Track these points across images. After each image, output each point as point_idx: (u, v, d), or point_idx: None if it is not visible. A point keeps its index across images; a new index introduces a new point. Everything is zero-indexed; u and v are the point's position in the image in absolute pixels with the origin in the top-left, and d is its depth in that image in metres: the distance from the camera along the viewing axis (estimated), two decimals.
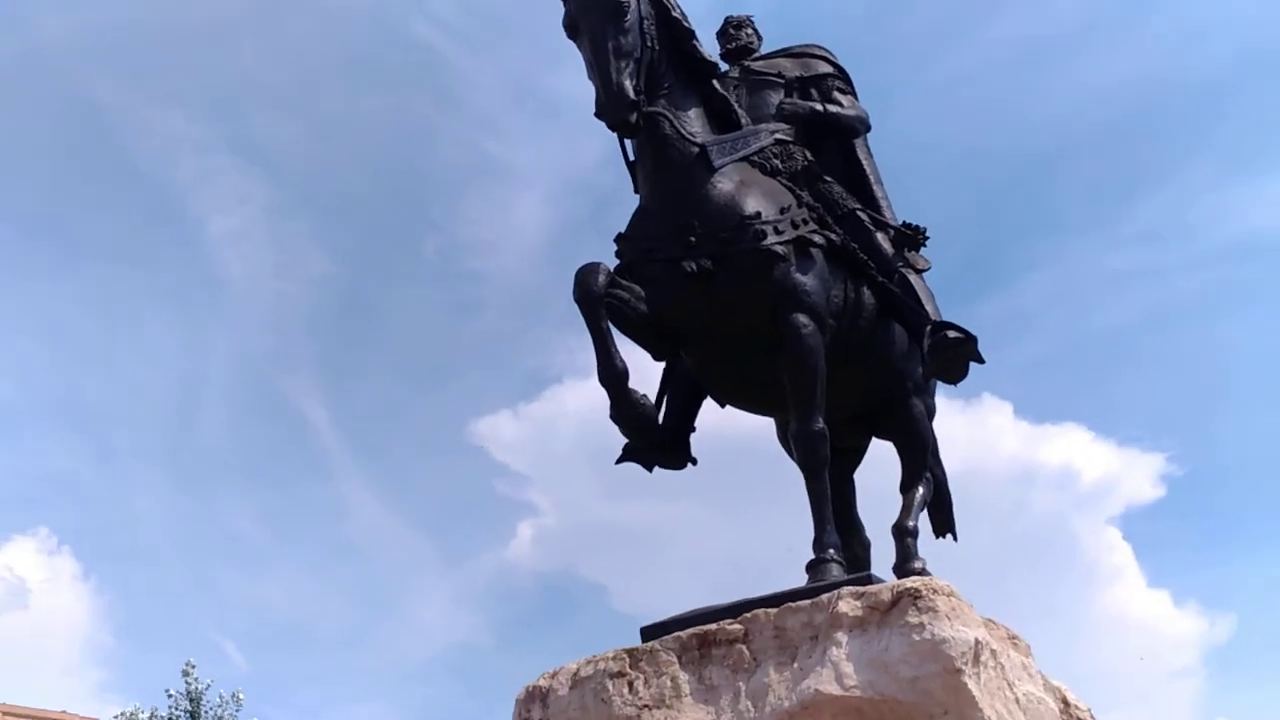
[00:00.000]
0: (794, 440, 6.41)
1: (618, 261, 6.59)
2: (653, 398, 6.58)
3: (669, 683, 5.41)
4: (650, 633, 5.87)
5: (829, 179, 7.22)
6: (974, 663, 4.97)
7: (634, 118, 6.23)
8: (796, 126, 7.35)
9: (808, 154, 7.24)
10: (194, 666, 26.90)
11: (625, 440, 6.72)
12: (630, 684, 5.46)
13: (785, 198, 6.63)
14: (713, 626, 5.50)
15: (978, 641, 5.01)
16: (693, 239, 6.33)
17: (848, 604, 5.21)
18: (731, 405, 7.20)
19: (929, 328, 6.69)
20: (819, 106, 7.41)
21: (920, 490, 7.24)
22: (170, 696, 26.88)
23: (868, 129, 7.61)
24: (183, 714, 26.10)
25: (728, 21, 7.95)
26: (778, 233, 6.39)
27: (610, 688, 5.47)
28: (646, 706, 5.38)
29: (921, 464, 7.30)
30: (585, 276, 6.14)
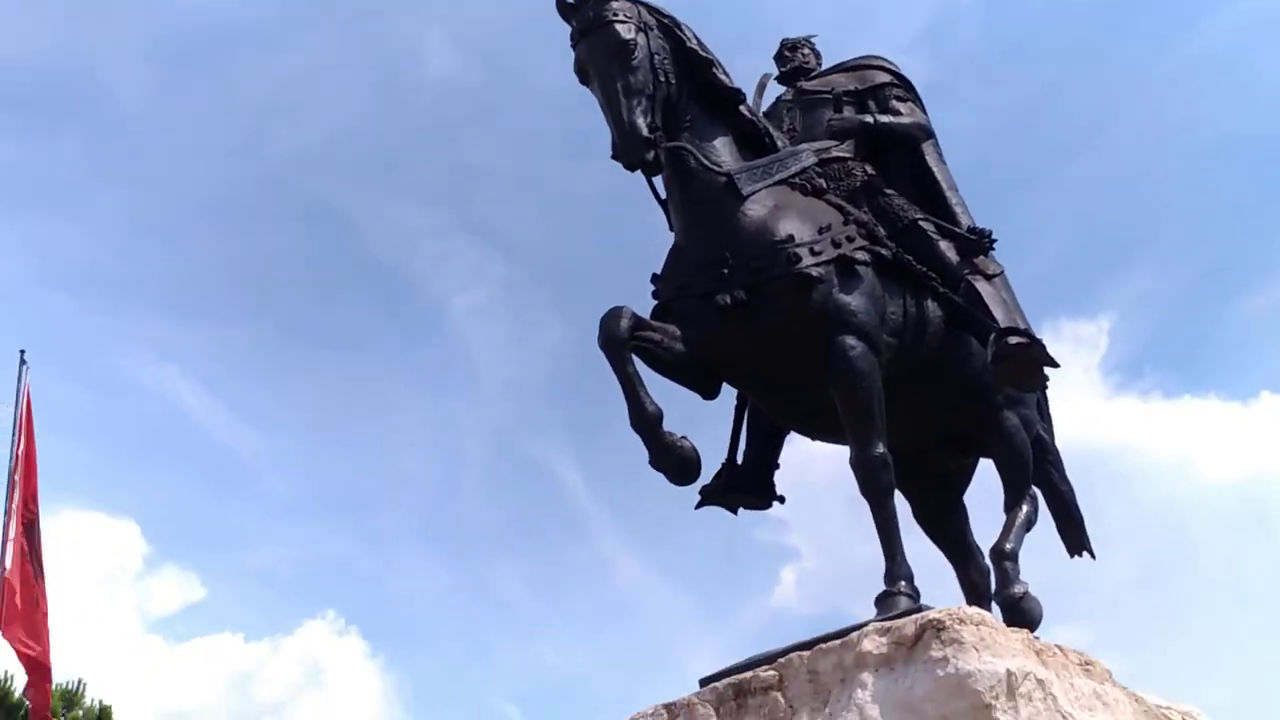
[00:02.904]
0: (853, 468, 6.06)
1: (655, 303, 6.46)
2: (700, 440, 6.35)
3: None
4: (705, 683, 5.64)
5: (890, 192, 6.89)
6: (1008, 696, 4.54)
7: (650, 155, 6.09)
8: (855, 141, 7.06)
9: (868, 168, 6.95)
10: None
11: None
12: None
13: (827, 217, 6.34)
14: (748, 675, 5.24)
15: (1010, 673, 4.57)
16: (725, 271, 6.12)
17: (872, 641, 4.86)
18: (808, 438, 6.91)
19: (992, 336, 6.25)
20: (869, 119, 7.08)
21: (1023, 509, 6.74)
22: None
23: (929, 136, 7.21)
24: None
25: (783, 44, 7.72)
26: (814, 254, 6.11)
27: None
28: None
29: (1022, 481, 6.80)
30: (608, 322, 6.01)
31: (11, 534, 15.27)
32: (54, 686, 25.71)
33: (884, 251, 6.39)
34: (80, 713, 27.44)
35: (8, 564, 15.00)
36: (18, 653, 15.13)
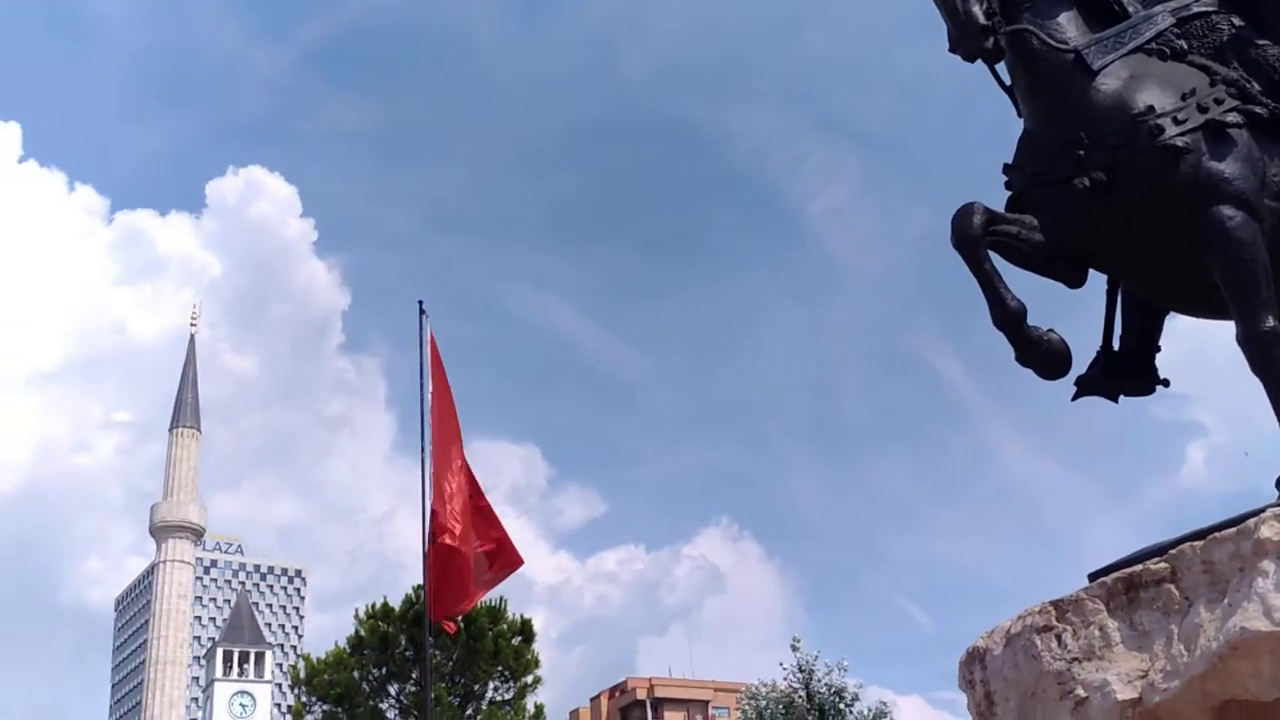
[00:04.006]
0: (1241, 346, 5.70)
1: (1008, 193, 6.27)
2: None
3: (1097, 632, 5.06)
4: (1094, 578, 5.52)
5: (1263, 43, 6.34)
6: None
7: (989, 43, 5.91)
8: None
9: (1235, 20, 6.42)
10: (800, 640, 29.01)
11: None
12: (1058, 637, 5.17)
13: (1190, 81, 5.93)
14: (1138, 568, 5.07)
15: None
16: (1081, 153, 5.86)
17: (1271, 528, 4.59)
18: (1190, 317, 6.55)
19: None
20: None
21: None
22: (783, 668, 28.95)
23: None
24: (798, 684, 27.99)
25: None
26: (1178, 123, 5.75)
27: (1038, 643, 5.21)
28: (1076, 659, 5.07)
29: None
30: (960, 220, 5.91)
31: (428, 470, 16.67)
32: (478, 605, 28.05)
33: (1260, 109, 5.92)
34: (504, 626, 29.80)
35: (428, 498, 16.41)
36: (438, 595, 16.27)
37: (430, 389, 17.23)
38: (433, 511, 15.85)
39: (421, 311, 17.44)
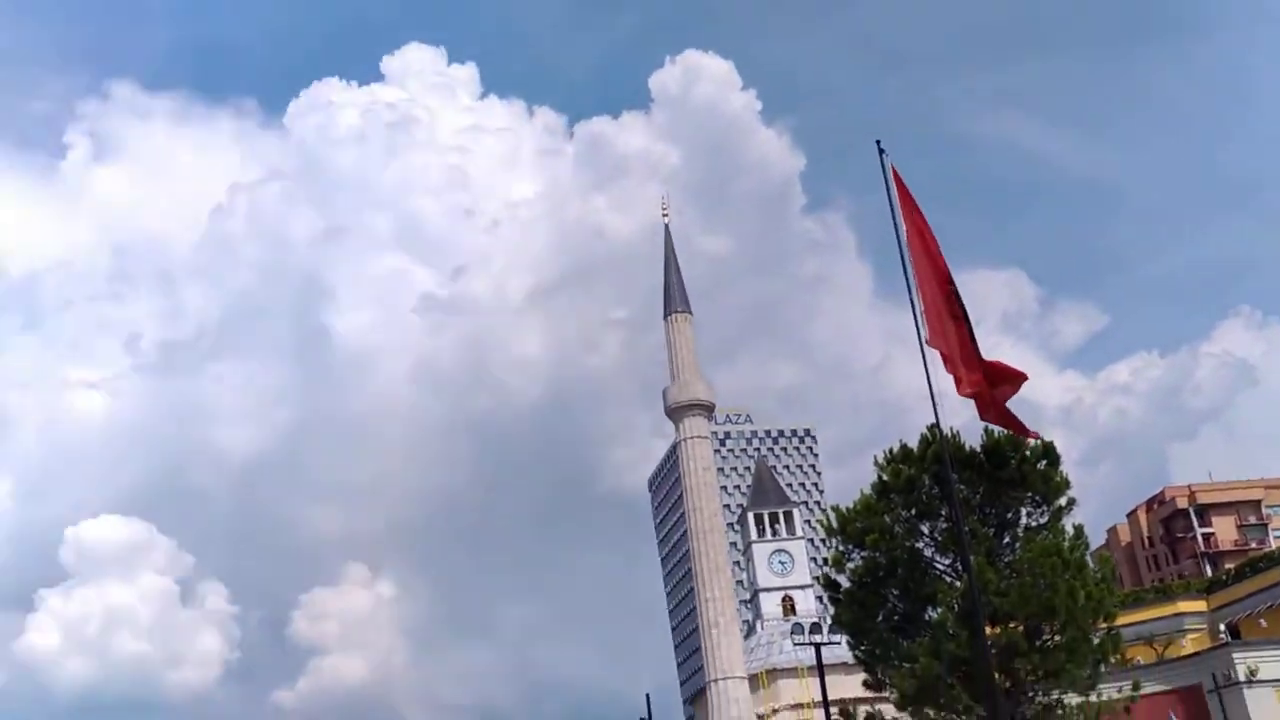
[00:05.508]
0: None
1: None
2: None
3: None
4: None
5: None
6: None
7: None
8: None
9: None
10: None
11: None
12: None
13: None
14: None
15: None
16: None
17: None
18: None
19: None
20: None
21: None
22: None
23: None
24: None
25: None
26: None
27: None
28: None
29: None
30: None
31: (919, 308, 16.43)
32: (995, 435, 27.74)
33: None
34: (1027, 452, 29.14)
35: (924, 333, 16.21)
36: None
37: (904, 226, 16.92)
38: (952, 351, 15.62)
39: (881, 151, 17.08)
